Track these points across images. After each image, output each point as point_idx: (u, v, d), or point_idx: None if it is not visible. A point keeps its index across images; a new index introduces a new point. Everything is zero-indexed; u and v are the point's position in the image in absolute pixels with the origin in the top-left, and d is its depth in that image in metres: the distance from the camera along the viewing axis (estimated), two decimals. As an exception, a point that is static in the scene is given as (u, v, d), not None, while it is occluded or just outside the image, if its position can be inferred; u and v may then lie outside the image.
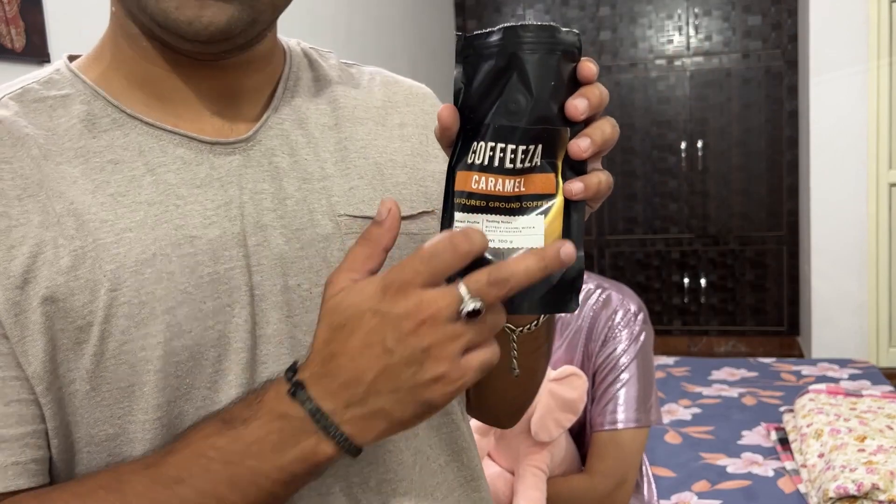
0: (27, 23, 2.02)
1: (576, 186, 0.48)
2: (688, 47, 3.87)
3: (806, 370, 2.73)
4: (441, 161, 0.67)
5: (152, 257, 0.54)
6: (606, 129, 0.49)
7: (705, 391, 2.55)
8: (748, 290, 3.91)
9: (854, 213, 3.25)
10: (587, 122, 0.49)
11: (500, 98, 0.47)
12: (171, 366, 0.54)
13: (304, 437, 0.48)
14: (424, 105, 0.70)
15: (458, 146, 0.49)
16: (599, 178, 0.49)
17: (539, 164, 0.48)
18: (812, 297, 3.37)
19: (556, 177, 0.49)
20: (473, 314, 0.44)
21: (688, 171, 3.92)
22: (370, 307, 0.46)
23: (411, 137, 0.67)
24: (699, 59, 3.85)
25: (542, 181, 0.48)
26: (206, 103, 0.60)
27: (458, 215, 0.49)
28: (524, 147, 0.47)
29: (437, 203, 0.63)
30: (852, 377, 2.60)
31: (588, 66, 0.48)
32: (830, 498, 1.64)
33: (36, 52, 2.05)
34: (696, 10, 3.85)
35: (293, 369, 0.49)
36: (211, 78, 0.60)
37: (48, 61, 2.09)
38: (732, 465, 1.98)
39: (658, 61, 3.91)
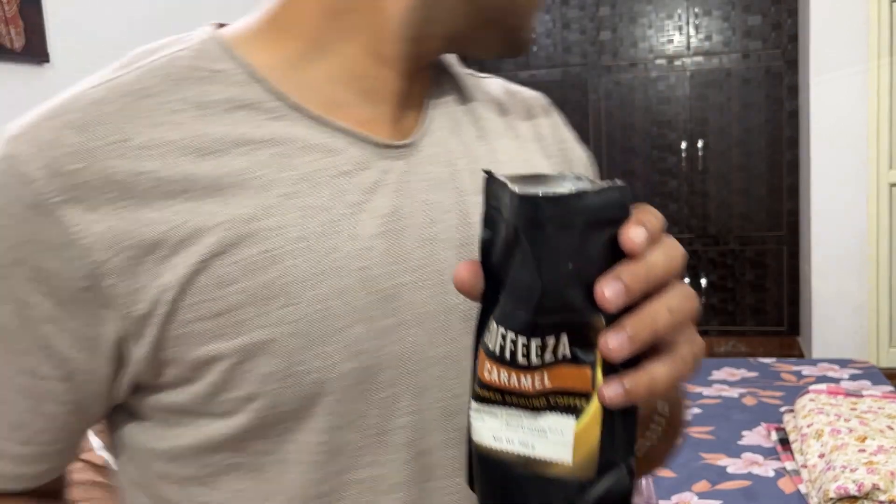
0: (27, 22, 2.02)
1: (613, 391, 0.37)
2: (688, 47, 3.87)
3: (806, 370, 2.72)
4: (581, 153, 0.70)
5: (326, 270, 0.48)
6: (660, 315, 0.37)
7: (705, 391, 2.55)
8: (748, 290, 3.91)
9: (854, 213, 3.25)
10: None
11: (509, 275, 0.38)
12: (343, 389, 0.49)
13: None
14: (544, 116, 0.68)
15: (481, 310, 0.40)
16: (653, 376, 0.37)
17: (568, 354, 0.37)
18: (812, 297, 3.37)
19: (594, 371, 0.37)
20: None
21: (688, 171, 3.91)
22: None
23: (539, 151, 0.64)
24: (699, 59, 3.85)
25: (572, 376, 0.38)
26: (388, 106, 0.55)
27: (473, 404, 0.40)
28: (539, 340, 0.37)
29: None
30: (852, 377, 2.60)
31: (630, 237, 0.36)
32: (831, 498, 1.64)
33: (35, 51, 2.05)
34: (696, 10, 3.85)
35: None
36: (393, 82, 0.55)
37: (47, 61, 2.09)
38: (733, 465, 1.98)
39: (658, 61, 3.91)
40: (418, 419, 0.52)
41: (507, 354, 0.37)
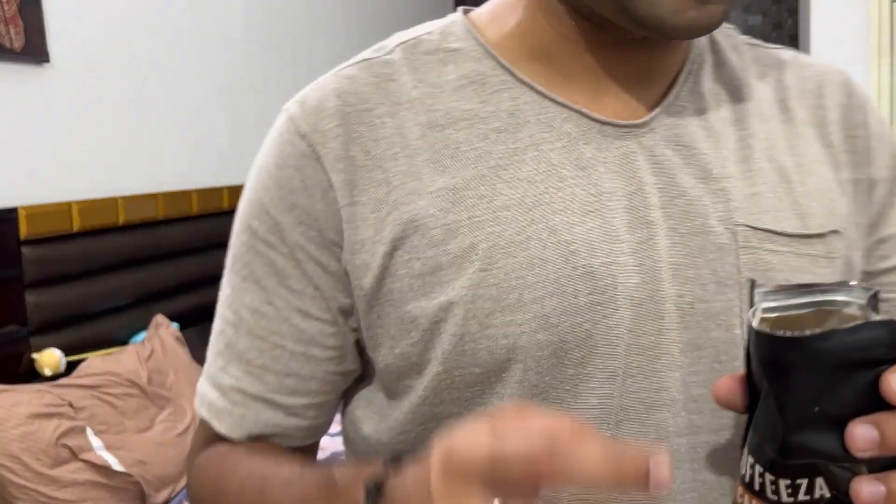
0: (26, 22, 2.02)
1: None
2: (688, 47, 3.87)
3: (806, 370, 2.72)
4: (849, 169, 0.60)
5: (527, 240, 0.50)
6: None
7: (705, 391, 2.54)
8: (748, 291, 3.91)
9: (854, 213, 3.25)
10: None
11: (758, 405, 0.36)
12: (533, 360, 0.50)
13: None
14: (838, 96, 0.61)
15: (748, 419, 0.37)
16: None
17: (827, 495, 0.34)
18: (812, 297, 3.36)
19: None
20: None
21: (688, 171, 3.92)
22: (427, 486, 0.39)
23: (818, 138, 0.59)
24: (699, 59, 3.85)
25: None
26: (612, 83, 0.55)
27: None
28: (787, 480, 0.34)
29: (845, 220, 0.58)
30: (853, 377, 2.60)
31: (893, 385, 0.33)
32: (831, 498, 1.64)
33: (35, 51, 2.05)
34: (696, 10, 3.85)
35: (382, 474, 0.43)
36: (629, 60, 0.55)
37: (47, 61, 2.09)
38: (733, 465, 1.97)
39: (658, 61, 3.91)
40: (610, 404, 0.50)
41: (757, 486, 0.35)
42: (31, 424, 1.69)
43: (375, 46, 0.59)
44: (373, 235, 0.52)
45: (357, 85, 0.55)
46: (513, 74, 0.54)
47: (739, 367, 0.41)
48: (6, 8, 1.99)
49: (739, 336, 0.52)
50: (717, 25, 0.50)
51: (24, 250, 1.98)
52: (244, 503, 0.54)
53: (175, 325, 2.30)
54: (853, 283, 0.37)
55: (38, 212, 2.00)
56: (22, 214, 1.96)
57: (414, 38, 0.57)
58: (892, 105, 3.19)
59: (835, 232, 0.56)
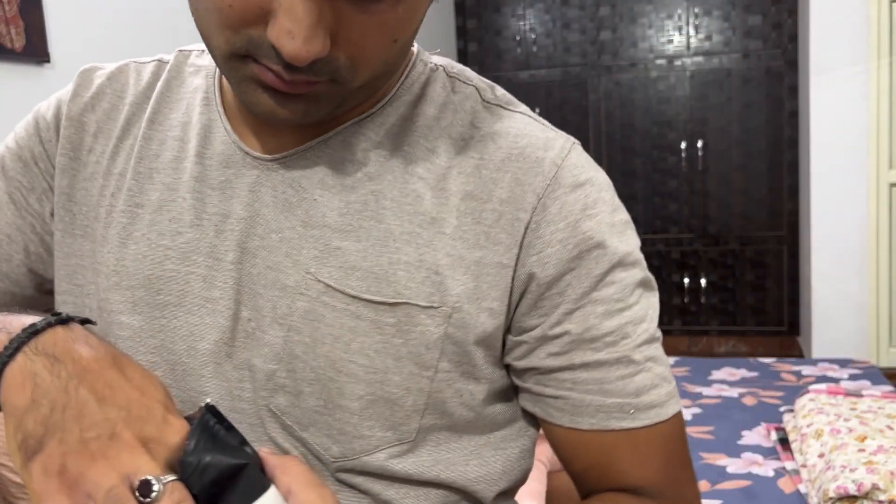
0: (27, 23, 2.02)
1: None
2: (688, 47, 3.87)
3: (806, 370, 2.72)
4: (496, 251, 0.56)
5: (141, 237, 0.59)
6: None
7: (705, 391, 2.55)
8: (748, 290, 3.91)
9: (854, 213, 3.25)
10: None
11: None
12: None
13: None
14: (530, 176, 0.57)
15: None
16: None
17: None
18: (812, 297, 3.37)
19: None
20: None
21: (688, 171, 3.92)
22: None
23: (468, 212, 0.56)
24: (699, 59, 3.85)
25: None
26: (266, 124, 0.59)
27: None
28: None
29: (456, 298, 0.55)
30: (852, 377, 2.60)
31: None
32: (831, 498, 1.64)
33: (36, 51, 2.05)
34: (696, 10, 3.85)
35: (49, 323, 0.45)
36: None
37: (47, 61, 2.09)
38: (732, 465, 1.98)
39: (658, 61, 3.91)
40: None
41: None
42: (31, 424, 1.70)
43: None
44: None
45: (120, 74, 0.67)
46: (213, 96, 0.62)
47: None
48: (6, 8, 1.99)
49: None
50: (302, 119, 0.52)
51: (25, 250, 1.98)
52: None
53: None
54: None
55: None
56: (22, 214, 1.96)
57: (200, 50, 0.67)
58: (892, 105, 3.19)
59: (412, 304, 0.54)
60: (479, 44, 4.30)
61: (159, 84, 0.65)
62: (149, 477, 0.38)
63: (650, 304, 0.60)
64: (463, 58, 4.35)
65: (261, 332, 0.56)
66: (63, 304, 0.63)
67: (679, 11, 3.88)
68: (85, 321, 0.48)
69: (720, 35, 3.82)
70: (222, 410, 0.51)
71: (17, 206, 0.65)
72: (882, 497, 1.61)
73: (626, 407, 0.58)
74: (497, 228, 0.56)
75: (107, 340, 0.47)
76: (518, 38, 4.22)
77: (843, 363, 2.79)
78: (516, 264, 0.56)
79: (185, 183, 0.60)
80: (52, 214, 0.65)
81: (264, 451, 0.43)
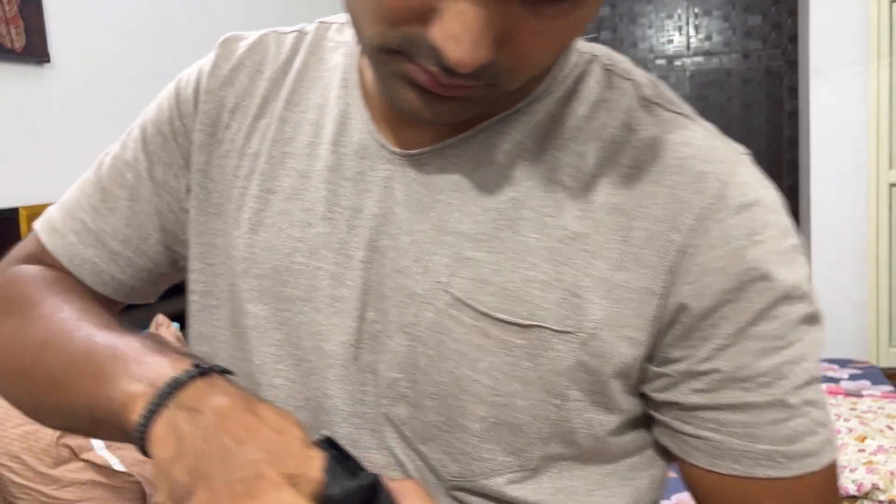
0: (27, 22, 2.02)
1: None
2: (688, 47, 3.87)
3: (806, 370, 2.72)
4: (643, 275, 0.50)
5: (271, 225, 0.57)
6: None
7: (705, 391, 2.54)
8: (748, 290, 3.91)
9: (854, 213, 3.25)
10: None
11: None
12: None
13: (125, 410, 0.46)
14: (692, 194, 0.50)
15: None
16: None
17: None
18: (812, 297, 3.36)
19: None
20: None
21: (688, 171, 3.91)
22: None
23: (615, 228, 0.50)
24: (699, 59, 3.85)
25: None
26: (407, 117, 0.54)
27: None
28: None
29: (594, 324, 0.50)
30: (852, 377, 2.60)
31: None
32: (830, 498, 1.64)
33: (36, 51, 2.05)
34: (696, 10, 3.85)
35: (197, 371, 0.46)
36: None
37: (48, 61, 2.09)
38: (732, 465, 1.97)
39: (658, 61, 3.91)
40: (293, 392, 0.58)
41: None
42: (31, 424, 1.70)
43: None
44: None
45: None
46: (350, 77, 0.59)
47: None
48: (7, 8, 1.99)
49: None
50: (449, 119, 0.49)
51: (25, 250, 1.98)
52: (35, 315, 0.57)
53: (175, 325, 2.30)
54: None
55: (39, 212, 2.00)
56: (23, 215, 1.96)
57: (338, 23, 0.63)
58: (892, 105, 3.19)
59: (545, 328, 0.50)
60: (479, 44, 4.30)
61: (297, 60, 0.62)
62: None
63: (813, 340, 0.52)
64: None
65: (385, 336, 0.53)
66: (196, 283, 0.62)
67: (679, 11, 3.88)
68: (223, 371, 0.48)
69: (720, 35, 3.82)
70: (344, 415, 0.54)
71: (156, 182, 0.63)
72: (882, 497, 1.61)
73: (775, 454, 0.51)
74: (647, 249, 0.50)
75: (242, 386, 0.47)
76: (518, 38, 4.21)
77: (842, 363, 2.79)
78: (666, 292, 0.50)
79: (319, 172, 0.57)
80: (187, 191, 0.63)
81: (382, 476, 0.44)
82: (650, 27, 3.94)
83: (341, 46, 0.61)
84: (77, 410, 0.51)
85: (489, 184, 0.52)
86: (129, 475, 1.80)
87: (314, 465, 0.41)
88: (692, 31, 3.86)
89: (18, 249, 0.67)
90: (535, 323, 0.50)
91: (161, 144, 0.63)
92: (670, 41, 3.91)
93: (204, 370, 0.46)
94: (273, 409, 0.44)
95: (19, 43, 2.03)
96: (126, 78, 2.37)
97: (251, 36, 0.64)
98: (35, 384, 0.55)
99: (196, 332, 0.62)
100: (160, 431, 0.43)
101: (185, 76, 0.65)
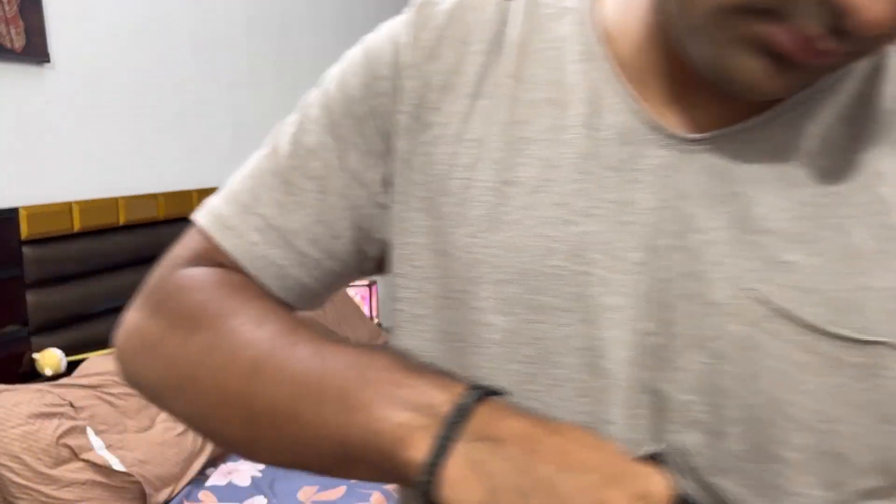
0: (27, 23, 2.02)
1: None
2: (688, 47, 3.86)
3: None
4: None
5: (514, 223, 0.48)
6: None
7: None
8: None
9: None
10: None
11: None
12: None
13: (412, 436, 0.40)
14: None
15: None
16: None
17: None
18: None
19: None
20: None
21: (688, 171, 3.90)
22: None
23: None
24: (699, 59, 3.84)
25: None
26: (692, 94, 0.47)
27: None
28: None
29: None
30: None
31: None
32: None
33: (36, 52, 2.05)
34: (697, 10, 3.84)
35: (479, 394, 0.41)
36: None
37: (48, 61, 2.09)
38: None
39: (658, 61, 3.90)
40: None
41: None
42: (31, 424, 1.70)
43: None
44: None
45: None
46: (595, 49, 0.50)
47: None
48: (7, 8, 1.99)
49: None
50: (783, 94, 0.43)
51: (25, 250, 1.98)
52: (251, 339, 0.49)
53: (175, 325, 2.30)
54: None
55: (38, 212, 2.01)
56: (23, 214, 1.96)
57: None
58: (892, 105, 3.18)
59: (888, 345, 0.43)
60: (479, 44, 4.29)
61: (511, 30, 0.52)
62: None
63: None
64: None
65: (673, 352, 0.45)
66: (403, 289, 0.52)
67: (679, 11, 3.87)
68: (493, 392, 0.42)
69: (720, 35, 3.81)
70: (623, 442, 0.45)
71: (349, 172, 0.54)
72: (882, 497, 1.60)
73: None
74: None
75: (518, 406, 0.41)
76: (518, 38, 4.20)
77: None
78: None
79: (570, 159, 0.48)
80: (384, 183, 0.54)
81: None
82: (650, 27, 3.93)
83: (566, 14, 0.52)
84: (318, 447, 0.44)
85: (798, 174, 0.45)
86: (130, 475, 1.80)
87: (654, 480, 0.36)
88: (692, 31, 3.85)
89: (181, 249, 0.57)
90: (877, 339, 0.43)
91: (354, 128, 0.54)
92: (670, 41, 3.90)
93: (483, 392, 0.40)
94: (573, 426, 0.39)
95: (19, 43, 2.03)
96: (126, 78, 2.37)
97: (448, 3, 0.54)
98: (250, 415, 0.47)
99: (402, 345, 0.52)
100: (457, 470, 0.37)
101: (375, 47, 0.55)
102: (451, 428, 0.38)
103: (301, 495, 1.93)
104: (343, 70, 0.55)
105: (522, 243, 0.48)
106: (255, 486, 1.98)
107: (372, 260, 0.57)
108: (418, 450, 0.39)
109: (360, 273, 0.58)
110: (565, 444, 0.37)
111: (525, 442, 0.37)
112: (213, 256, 0.56)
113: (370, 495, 1.91)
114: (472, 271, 0.49)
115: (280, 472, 2.05)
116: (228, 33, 2.78)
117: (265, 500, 1.91)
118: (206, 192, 2.60)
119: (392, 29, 0.55)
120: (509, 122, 0.50)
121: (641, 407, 0.46)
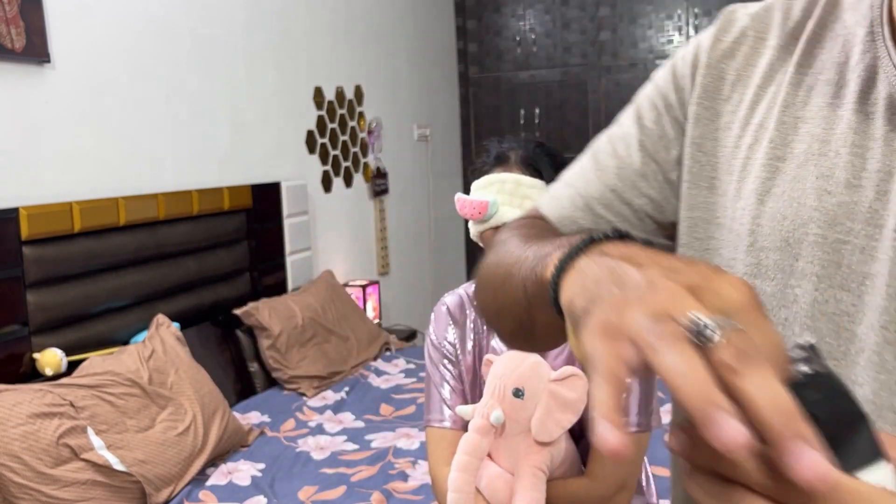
0: (27, 23, 2.02)
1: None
2: (688, 47, 3.87)
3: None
4: None
5: (781, 194, 0.53)
6: None
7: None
8: (748, 290, 3.91)
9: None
10: None
11: None
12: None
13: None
14: None
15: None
16: None
17: None
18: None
19: None
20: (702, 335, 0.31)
21: (688, 171, 3.92)
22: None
23: None
24: (699, 59, 3.85)
25: None
26: None
27: None
28: None
29: None
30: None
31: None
32: (830, 498, 1.64)
33: (36, 52, 2.05)
34: (696, 10, 3.85)
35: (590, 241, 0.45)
36: None
37: (48, 61, 2.09)
38: (732, 465, 1.98)
39: (658, 61, 3.91)
40: None
41: None
42: (32, 424, 1.70)
43: None
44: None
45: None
46: (880, 32, 0.52)
47: None
48: (7, 8, 1.99)
49: None
50: None
51: (26, 250, 1.98)
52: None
53: (176, 325, 2.30)
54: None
55: (39, 212, 2.01)
56: (23, 215, 1.96)
57: None
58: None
59: None
60: (479, 44, 4.30)
61: (811, 23, 0.57)
62: (696, 314, 0.31)
63: None
64: (463, 58, 4.35)
65: None
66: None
67: (679, 12, 3.88)
68: (639, 239, 0.46)
69: (720, 35, 3.82)
70: (873, 407, 0.45)
71: (645, 152, 0.63)
72: (882, 497, 1.61)
73: None
74: None
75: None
76: (518, 38, 4.22)
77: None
78: None
79: (840, 135, 0.51)
80: (677, 162, 0.62)
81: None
82: (650, 27, 3.94)
83: (860, 3, 0.55)
84: (517, 294, 0.53)
85: None
86: (130, 475, 1.80)
87: (726, 281, 0.34)
88: (692, 32, 3.86)
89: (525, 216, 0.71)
90: None
91: (654, 118, 0.63)
92: (670, 41, 3.91)
93: (622, 234, 0.45)
94: (679, 257, 0.42)
95: (19, 43, 2.04)
96: (126, 78, 2.37)
97: (755, 5, 0.62)
98: (500, 289, 0.59)
99: None
100: (569, 278, 0.43)
101: (683, 53, 0.64)
102: (575, 250, 0.44)
103: (301, 495, 1.93)
104: (654, 76, 0.67)
105: (785, 213, 0.52)
106: (255, 486, 1.98)
107: (656, 230, 0.65)
108: (549, 269, 0.46)
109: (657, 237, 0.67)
110: (662, 258, 0.38)
111: (625, 254, 0.41)
112: (537, 217, 0.70)
113: (370, 495, 1.91)
114: (743, 241, 0.54)
115: (280, 472, 2.06)
116: (228, 33, 2.79)
117: (265, 500, 1.91)
118: (205, 192, 2.60)
119: (699, 37, 0.64)
120: (789, 105, 0.55)
121: (888, 371, 0.47)
